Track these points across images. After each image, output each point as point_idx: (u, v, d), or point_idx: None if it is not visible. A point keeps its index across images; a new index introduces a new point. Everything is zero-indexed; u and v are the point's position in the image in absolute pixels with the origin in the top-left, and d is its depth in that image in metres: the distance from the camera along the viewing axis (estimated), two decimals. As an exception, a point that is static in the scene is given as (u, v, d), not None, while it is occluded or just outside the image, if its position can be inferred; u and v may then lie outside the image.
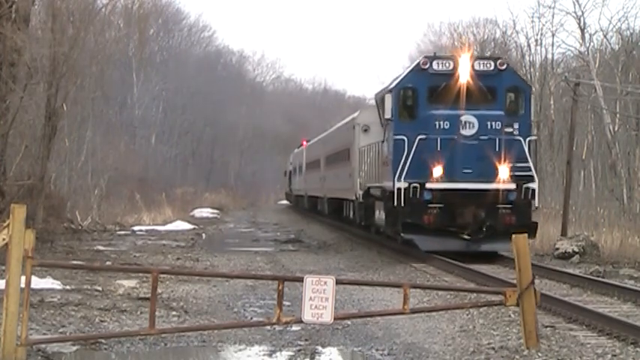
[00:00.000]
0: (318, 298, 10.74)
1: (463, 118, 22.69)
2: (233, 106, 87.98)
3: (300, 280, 10.96)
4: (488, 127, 22.70)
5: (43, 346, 11.43)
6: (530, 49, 49.49)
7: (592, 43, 45.00)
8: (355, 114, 34.28)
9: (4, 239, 10.50)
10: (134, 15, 66.11)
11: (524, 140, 22.97)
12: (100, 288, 17.28)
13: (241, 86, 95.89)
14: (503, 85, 23.49)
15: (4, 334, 10.33)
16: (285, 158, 78.91)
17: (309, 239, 34.23)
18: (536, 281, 11.49)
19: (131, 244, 29.22)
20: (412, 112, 23.55)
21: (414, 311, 12.01)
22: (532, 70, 48.87)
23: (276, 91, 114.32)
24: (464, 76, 23.04)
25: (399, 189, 22.49)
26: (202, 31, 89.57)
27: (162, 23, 78.29)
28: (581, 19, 43.41)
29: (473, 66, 23.18)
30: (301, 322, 11.00)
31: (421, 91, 23.45)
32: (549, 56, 48.96)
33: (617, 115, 42.48)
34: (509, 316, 13.93)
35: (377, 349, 12.04)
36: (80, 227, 34.15)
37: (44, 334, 12.31)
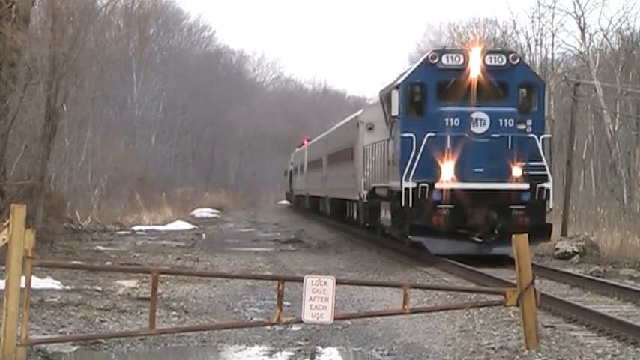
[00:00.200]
0: (318, 298, 10.74)
1: (474, 115, 21.84)
2: (233, 106, 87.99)
3: (300, 280, 10.95)
4: (500, 124, 21.84)
5: (43, 346, 11.43)
6: (530, 49, 49.47)
7: (592, 43, 45.02)
8: (359, 112, 33.41)
9: (4, 239, 10.50)
10: (134, 15, 66.19)
11: (538, 138, 22.22)
12: (100, 288, 17.29)
13: (241, 86, 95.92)
14: (516, 81, 22.70)
15: (4, 334, 10.33)
16: (285, 158, 78.84)
17: (309, 239, 34.22)
18: (536, 281, 11.49)
19: (131, 244, 29.22)
20: (420, 109, 22.71)
21: (414, 311, 12.00)
22: (532, 70, 48.82)
23: (276, 91, 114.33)
24: (475, 71, 22.29)
25: (406, 189, 21.64)
26: (202, 31, 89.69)
27: (162, 23, 78.32)
28: (581, 19, 43.41)
29: (484, 60, 22.43)
30: (301, 322, 11.00)
31: (430, 87, 22.61)
32: (549, 56, 48.96)
33: (617, 115, 42.49)
34: (509, 316, 13.93)
35: (377, 349, 12.04)
36: (80, 227, 34.16)
37: (44, 334, 12.31)
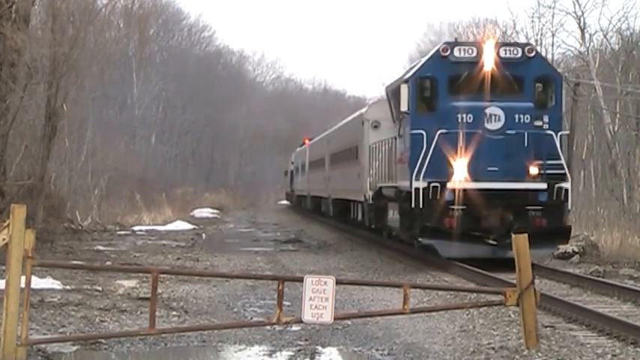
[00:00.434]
0: (318, 298, 10.74)
1: (488, 111, 20.74)
2: (233, 106, 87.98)
3: (300, 280, 10.95)
4: (516, 120, 20.74)
5: (43, 346, 11.43)
6: (530, 49, 49.39)
7: (592, 43, 44.95)
8: (363, 109, 32.38)
9: (4, 239, 10.50)
10: (134, 15, 66.32)
11: (556, 135, 21.00)
12: (100, 288, 17.29)
13: (241, 86, 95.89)
14: (532, 74, 21.41)
15: (4, 334, 10.33)
16: (285, 158, 78.68)
17: (309, 239, 34.21)
18: (536, 281, 11.50)
19: (131, 244, 29.23)
20: (431, 104, 21.45)
21: (414, 311, 12.00)
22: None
23: (276, 91, 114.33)
24: (488, 64, 20.98)
25: (417, 189, 20.46)
26: (202, 31, 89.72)
27: (162, 23, 78.41)
28: (581, 19, 43.35)
29: (498, 53, 21.11)
30: (301, 322, 11.00)
31: (441, 81, 21.32)
32: (549, 56, 48.87)
33: (617, 115, 42.46)
34: (509, 316, 13.93)
35: (377, 349, 12.04)
36: (80, 227, 34.16)
37: (44, 334, 12.31)
